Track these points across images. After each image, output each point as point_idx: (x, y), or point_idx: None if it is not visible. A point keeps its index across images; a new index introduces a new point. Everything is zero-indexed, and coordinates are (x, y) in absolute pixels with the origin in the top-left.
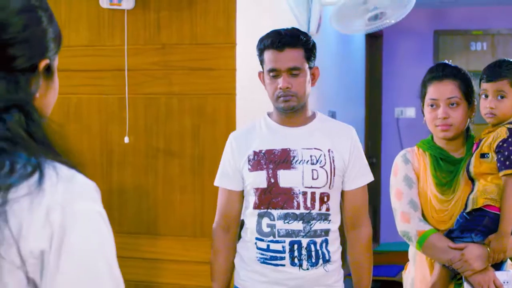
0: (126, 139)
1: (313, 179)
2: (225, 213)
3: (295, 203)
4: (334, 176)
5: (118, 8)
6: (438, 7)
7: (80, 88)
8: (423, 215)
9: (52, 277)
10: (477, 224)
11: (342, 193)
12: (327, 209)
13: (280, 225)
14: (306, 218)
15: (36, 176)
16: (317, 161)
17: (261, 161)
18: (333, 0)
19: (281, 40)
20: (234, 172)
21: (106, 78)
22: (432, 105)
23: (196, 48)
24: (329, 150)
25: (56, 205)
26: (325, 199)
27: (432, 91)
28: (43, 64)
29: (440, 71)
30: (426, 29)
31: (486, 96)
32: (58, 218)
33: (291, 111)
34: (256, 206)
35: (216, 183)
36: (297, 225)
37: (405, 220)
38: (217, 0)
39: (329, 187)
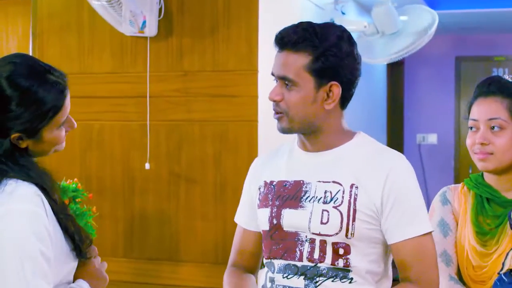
0: (147, 165)
1: (321, 223)
2: (240, 249)
3: (298, 253)
4: (353, 221)
5: (141, 36)
6: (459, 33)
7: (103, 115)
8: (458, 271)
9: None
10: None
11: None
12: (346, 265)
13: (279, 280)
14: (309, 274)
15: None
16: (331, 199)
17: (269, 195)
18: (354, 27)
19: (283, 36)
20: (250, 206)
21: (128, 104)
22: (471, 127)
23: (218, 75)
24: (351, 186)
25: None
26: (341, 251)
27: (474, 110)
28: (13, 136)
29: (486, 86)
30: (447, 56)
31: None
32: None
33: (288, 134)
34: (264, 254)
35: (235, 218)
36: (297, 282)
37: None
38: (239, 27)
39: (347, 235)
